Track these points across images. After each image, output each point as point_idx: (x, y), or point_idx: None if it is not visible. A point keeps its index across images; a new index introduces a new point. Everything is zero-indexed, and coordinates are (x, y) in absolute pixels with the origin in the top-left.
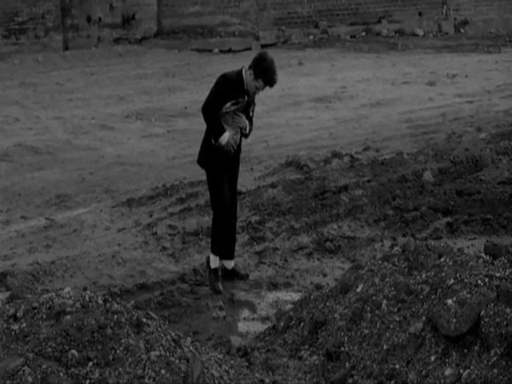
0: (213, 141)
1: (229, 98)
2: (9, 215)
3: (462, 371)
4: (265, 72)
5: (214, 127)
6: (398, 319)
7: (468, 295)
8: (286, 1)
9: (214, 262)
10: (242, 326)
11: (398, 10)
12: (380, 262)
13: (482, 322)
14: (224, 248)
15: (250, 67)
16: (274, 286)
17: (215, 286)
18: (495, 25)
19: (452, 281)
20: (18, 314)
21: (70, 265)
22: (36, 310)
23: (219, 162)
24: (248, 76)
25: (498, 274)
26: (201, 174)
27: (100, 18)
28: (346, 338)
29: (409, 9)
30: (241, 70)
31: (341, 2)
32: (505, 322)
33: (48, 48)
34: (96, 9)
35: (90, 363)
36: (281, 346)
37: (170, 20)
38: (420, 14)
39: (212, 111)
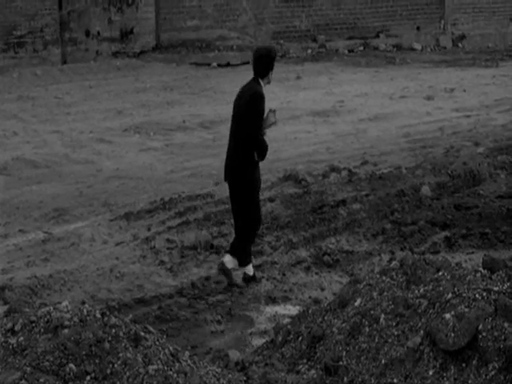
0: (257, 158)
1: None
2: (7, 229)
3: None
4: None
5: (263, 147)
6: (396, 333)
7: (466, 309)
8: (284, 15)
9: (250, 270)
10: (240, 340)
11: (396, 24)
12: (378, 276)
13: (480, 336)
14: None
15: (263, 73)
16: (272, 300)
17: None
18: (493, 39)
19: (450, 295)
20: (15, 328)
21: (67, 278)
22: (34, 324)
23: (257, 174)
24: (270, 77)
25: (496, 288)
26: (199, 188)
27: (98, 32)
28: (344, 353)
29: (407, 23)
30: (257, 80)
31: (339, 16)
32: (503, 337)
33: (46, 62)
34: (94, 23)
35: (88, 377)
36: (279, 361)
37: (168, 34)
38: (418, 28)
39: (259, 133)
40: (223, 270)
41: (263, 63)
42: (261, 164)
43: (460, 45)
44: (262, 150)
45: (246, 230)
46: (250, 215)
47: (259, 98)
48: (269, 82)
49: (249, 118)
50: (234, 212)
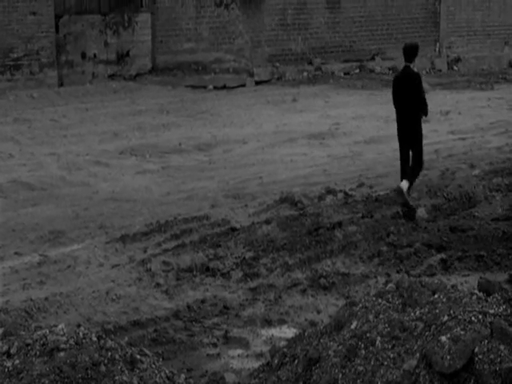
0: (424, 117)
1: None
2: (2, 251)
3: None
4: None
5: (427, 106)
6: (392, 356)
7: (462, 332)
8: (280, 38)
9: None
10: (235, 363)
11: (392, 47)
12: (374, 298)
13: (476, 358)
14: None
15: (412, 59)
16: (268, 323)
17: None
18: (488, 62)
19: (446, 317)
20: (11, 351)
21: (63, 301)
22: (29, 347)
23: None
24: (415, 63)
25: (491, 311)
26: (195, 210)
27: (95, 55)
28: (340, 375)
29: (402, 46)
30: (409, 66)
31: (334, 39)
32: (499, 359)
33: (43, 84)
34: (91, 45)
35: None
36: (275, 383)
37: (164, 56)
38: None
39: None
40: (399, 191)
41: (412, 53)
42: (256, 187)
43: (455, 67)
44: (427, 108)
45: (417, 169)
46: (421, 158)
47: (421, 77)
48: (414, 66)
49: (419, 89)
50: (404, 158)
